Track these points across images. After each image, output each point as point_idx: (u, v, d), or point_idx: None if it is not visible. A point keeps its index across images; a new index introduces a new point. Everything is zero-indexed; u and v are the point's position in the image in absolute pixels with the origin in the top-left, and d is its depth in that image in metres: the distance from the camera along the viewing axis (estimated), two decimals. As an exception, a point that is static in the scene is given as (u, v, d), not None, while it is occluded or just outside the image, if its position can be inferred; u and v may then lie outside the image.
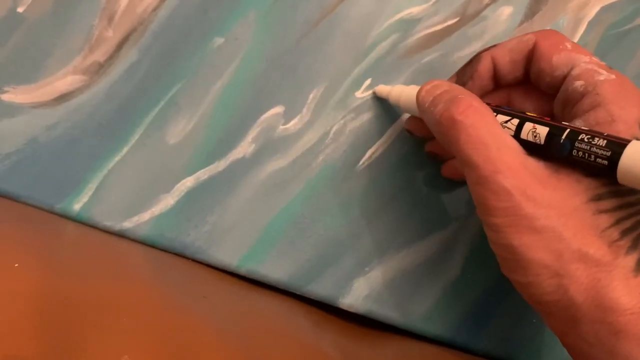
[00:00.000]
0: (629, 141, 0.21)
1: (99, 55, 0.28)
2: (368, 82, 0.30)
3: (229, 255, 0.29)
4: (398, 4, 0.30)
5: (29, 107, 0.28)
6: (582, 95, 0.24)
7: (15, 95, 0.28)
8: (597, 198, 0.22)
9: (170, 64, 0.29)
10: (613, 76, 0.23)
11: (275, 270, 0.30)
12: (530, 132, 0.23)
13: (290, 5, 0.29)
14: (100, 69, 0.28)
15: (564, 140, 0.22)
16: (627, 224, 0.22)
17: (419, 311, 0.31)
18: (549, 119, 0.24)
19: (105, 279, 0.23)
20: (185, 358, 0.20)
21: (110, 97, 0.28)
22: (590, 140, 0.21)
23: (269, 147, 0.30)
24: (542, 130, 0.23)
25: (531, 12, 0.31)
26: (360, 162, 0.30)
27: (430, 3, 0.31)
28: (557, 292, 0.22)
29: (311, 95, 0.30)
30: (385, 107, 0.30)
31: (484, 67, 0.27)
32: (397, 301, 0.31)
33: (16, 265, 0.20)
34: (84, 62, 0.28)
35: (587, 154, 0.21)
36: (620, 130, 0.22)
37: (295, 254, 0.30)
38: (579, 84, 0.24)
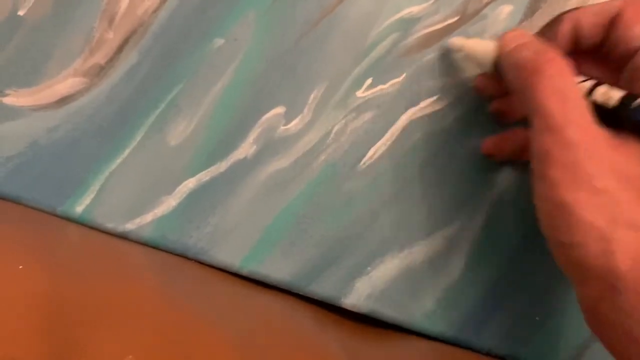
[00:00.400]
0: None
1: (100, 57, 0.28)
2: (369, 81, 0.30)
3: (231, 256, 0.29)
4: (398, 3, 0.30)
5: (30, 109, 0.28)
6: None
7: (17, 98, 0.28)
8: None
9: (171, 65, 0.29)
10: None
11: (277, 270, 0.30)
12: (603, 95, 0.23)
13: (289, 5, 0.29)
14: (100, 71, 0.28)
15: (636, 105, 0.22)
16: None
17: (422, 310, 0.31)
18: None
19: (107, 281, 0.23)
20: (189, 358, 0.20)
21: (111, 99, 0.28)
22: None
23: (270, 147, 0.30)
24: (615, 94, 0.23)
25: (531, 11, 0.31)
26: (362, 162, 0.30)
27: (430, 2, 0.31)
28: (601, 257, 0.21)
29: (312, 95, 0.30)
30: (385, 107, 0.30)
31: (565, 30, 0.27)
32: (400, 300, 0.31)
33: (20, 267, 0.20)
34: (85, 64, 0.28)
35: None
36: None
37: (297, 254, 0.30)
38: None
